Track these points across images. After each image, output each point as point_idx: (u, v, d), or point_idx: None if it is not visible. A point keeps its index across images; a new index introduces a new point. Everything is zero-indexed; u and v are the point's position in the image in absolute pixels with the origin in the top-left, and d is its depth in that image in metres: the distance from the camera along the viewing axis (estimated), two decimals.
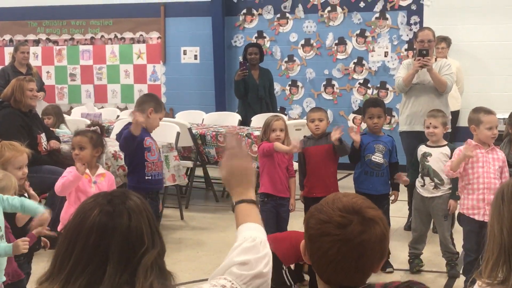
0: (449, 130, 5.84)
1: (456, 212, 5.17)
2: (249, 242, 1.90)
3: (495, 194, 2.08)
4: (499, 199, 2.03)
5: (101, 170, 4.75)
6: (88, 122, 7.79)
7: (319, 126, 5.44)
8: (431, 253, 5.66)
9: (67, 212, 4.61)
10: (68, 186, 4.57)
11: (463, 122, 8.44)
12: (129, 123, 4.88)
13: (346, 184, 8.77)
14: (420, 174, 5.36)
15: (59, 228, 4.49)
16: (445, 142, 5.38)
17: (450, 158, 5.14)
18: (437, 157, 5.28)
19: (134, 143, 4.80)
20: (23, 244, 3.57)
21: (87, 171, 4.63)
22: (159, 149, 5.16)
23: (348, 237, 1.73)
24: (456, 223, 5.36)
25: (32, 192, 4.19)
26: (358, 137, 5.41)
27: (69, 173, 4.62)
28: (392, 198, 5.55)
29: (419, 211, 5.42)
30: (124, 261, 1.71)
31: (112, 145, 6.27)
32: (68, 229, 1.77)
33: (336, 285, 1.79)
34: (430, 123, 5.32)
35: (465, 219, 4.89)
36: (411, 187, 6.48)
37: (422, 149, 5.38)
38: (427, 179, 5.32)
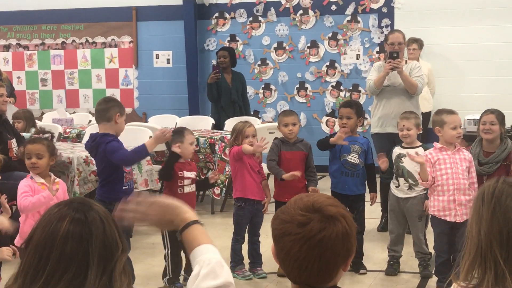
0: (421, 132, 5.89)
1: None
2: (206, 267, 1.88)
3: (476, 195, 2.07)
4: (479, 200, 2.03)
5: (53, 178, 4.59)
6: (60, 127, 7.73)
7: (292, 131, 5.43)
8: (405, 254, 5.67)
9: (26, 224, 4.37)
10: (39, 207, 4.32)
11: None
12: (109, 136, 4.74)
13: (320, 186, 8.79)
14: (394, 175, 5.39)
15: (17, 243, 4.23)
16: (419, 143, 5.41)
17: None
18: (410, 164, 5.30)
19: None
20: (7, 251, 3.50)
21: (43, 181, 4.51)
22: None
23: (308, 235, 1.74)
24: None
25: (6, 205, 4.08)
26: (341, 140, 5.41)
27: (35, 191, 4.40)
28: (370, 200, 5.58)
29: (394, 212, 5.43)
30: (102, 265, 1.75)
31: (83, 150, 6.22)
32: (38, 242, 1.76)
33: (303, 284, 1.79)
34: (404, 125, 5.34)
35: (435, 221, 4.92)
36: (385, 189, 6.52)
37: (396, 150, 5.40)
38: (401, 180, 5.34)
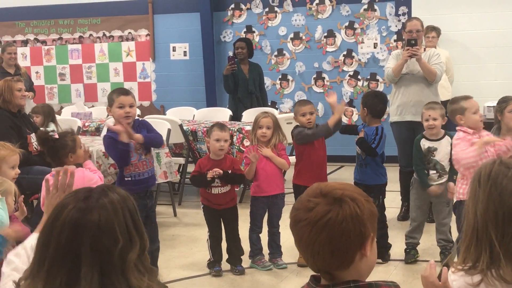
0: (445, 122, 5.82)
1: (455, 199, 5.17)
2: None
3: (473, 177, 2.07)
4: (476, 182, 2.03)
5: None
6: (79, 121, 7.77)
7: (310, 120, 5.43)
8: (426, 242, 5.65)
9: None
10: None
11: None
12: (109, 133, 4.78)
13: (338, 176, 8.79)
14: (422, 167, 5.32)
15: None
16: (443, 132, 5.35)
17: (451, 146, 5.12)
18: (443, 151, 5.25)
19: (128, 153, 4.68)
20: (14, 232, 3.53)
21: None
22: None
23: (314, 219, 1.73)
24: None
25: (23, 206, 4.05)
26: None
27: None
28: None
29: (419, 200, 5.39)
30: (98, 260, 1.67)
31: (102, 143, 6.24)
32: (45, 224, 1.76)
33: (322, 272, 1.78)
34: (430, 115, 5.26)
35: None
36: (404, 178, 6.50)
37: (425, 143, 5.31)
38: (432, 171, 5.29)
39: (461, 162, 4.75)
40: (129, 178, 4.69)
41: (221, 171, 5.09)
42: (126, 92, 4.76)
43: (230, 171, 5.15)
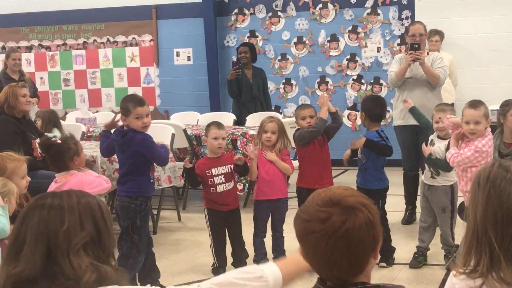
0: None
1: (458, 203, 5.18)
2: (250, 270, 2.02)
3: (473, 180, 2.08)
4: (475, 185, 2.04)
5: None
6: (84, 127, 7.79)
7: (310, 123, 5.45)
8: (432, 246, 5.65)
9: None
10: None
11: (457, 115, 8.45)
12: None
13: (342, 180, 8.79)
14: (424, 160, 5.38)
15: None
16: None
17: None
18: (436, 150, 5.26)
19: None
20: None
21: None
22: None
23: (331, 230, 1.72)
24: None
25: None
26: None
27: None
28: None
29: (424, 200, 5.41)
30: (44, 240, 1.80)
31: None
32: None
33: (335, 279, 1.78)
34: (440, 118, 5.27)
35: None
36: (408, 181, 6.50)
37: (432, 136, 5.40)
38: (427, 169, 5.33)
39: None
40: (152, 180, 4.82)
41: (243, 159, 5.19)
42: (142, 103, 4.65)
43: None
